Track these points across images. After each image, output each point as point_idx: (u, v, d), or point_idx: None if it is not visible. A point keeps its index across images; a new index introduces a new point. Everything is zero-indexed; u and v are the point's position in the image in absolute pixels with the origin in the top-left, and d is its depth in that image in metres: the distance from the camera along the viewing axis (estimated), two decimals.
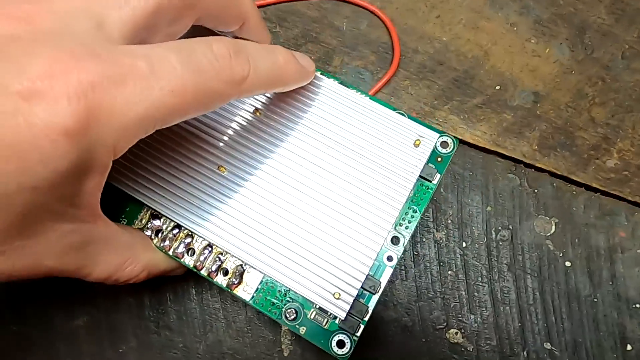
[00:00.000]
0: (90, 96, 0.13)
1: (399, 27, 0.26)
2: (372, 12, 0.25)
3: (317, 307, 0.20)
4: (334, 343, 0.19)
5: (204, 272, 0.20)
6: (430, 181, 0.21)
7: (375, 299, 0.20)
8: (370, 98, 0.22)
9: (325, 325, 0.19)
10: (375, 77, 0.26)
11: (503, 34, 0.27)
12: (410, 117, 0.21)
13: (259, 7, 0.26)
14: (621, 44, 0.27)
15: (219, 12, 0.18)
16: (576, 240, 0.25)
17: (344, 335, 0.19)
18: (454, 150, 0.21)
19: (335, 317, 0.19)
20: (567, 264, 0.25)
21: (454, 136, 0.21)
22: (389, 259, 0.20)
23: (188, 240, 0.20)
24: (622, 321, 0.24)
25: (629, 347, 0.23)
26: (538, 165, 0.25)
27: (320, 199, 0.20)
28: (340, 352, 0.19)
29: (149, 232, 0.20)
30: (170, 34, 0.17)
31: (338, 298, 0.19)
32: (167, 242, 0.20)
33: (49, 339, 0.23)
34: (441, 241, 0.24)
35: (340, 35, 0.26)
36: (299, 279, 0.19)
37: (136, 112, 0.14)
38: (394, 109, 0.22)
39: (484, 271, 0.24)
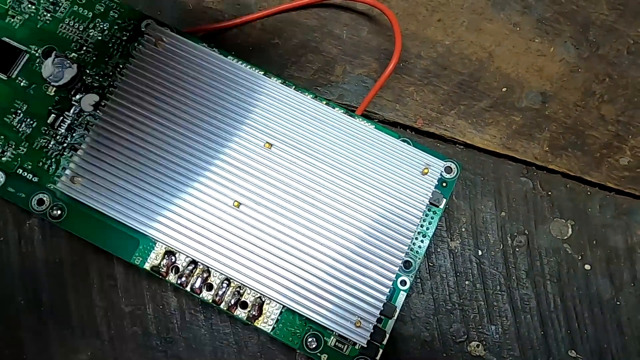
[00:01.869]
0: None
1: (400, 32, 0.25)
2: (373, 5, 0.24)
3: (337, 334, 0.20)
4: None
5: (223, 307, 0.20)
6: (438, 206, 0.21)
7: (391, 322, 0.20)
8: (376, 127, 0.22)
9: (345, 351, 0.19)
10: None
11: (506, 34, 0.26)
12: (415, 145, 0.22)
13: (257, 19, 0.25)
14: (625, 39, 0.26)
15: None
16: (594, 242, 0.24)
17: None
18: (458, 175, 0.22)
19: (356, 343, 0.19)
20: (587, 267, 0.24)
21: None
22: (403, 283, 0.21)
23: (205, 275, 0.20)
24: None
25: None
26: (550, 167, 0.25)
27: (335, 230, 0.20)
28: None
29: (164, 269, 0.20)
30: None
31: (359, 326, 0.19)
32: (183, 279, 0.20)
33: None
34: (456, 250, 0.24)
35: (341, 43, 0.26)
36: (319, 309, 0.19)
37: None
38: (399, 136, 0.22)
39: (502, 279, 0.23)
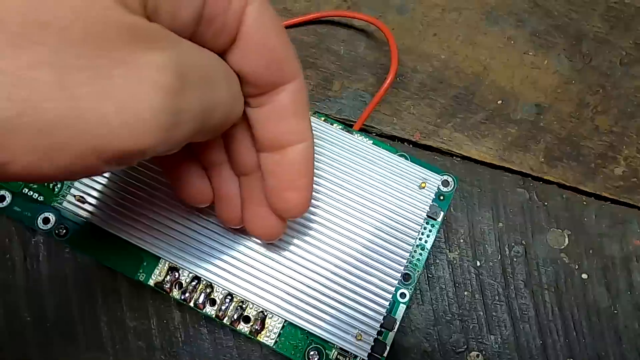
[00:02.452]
0: None
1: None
2: (369, 22, 0.24)
3: (338, 347, 0.20)
4: None
5: (226, 321, 0.20)
6: (435, 219, 0.22)
7: (392, 335, 0.20)
8: (374, 142, 0.22)
9: None
10: None
11: (501, 48, 0.26)
12: (412, 159, 0.22)
13: None
14: (618, 51, 0.27)
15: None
16: (590, 252, 0.24)
17: None
18: (455, 188, 0.22)
19: (357, 356, 0.20)
20: (584, 276, 0.24)
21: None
22: (402, 295, 0.21)
23: (208, 290, 0.20)
24: None
25: None
26: (546, 177, 0.25)
27: (335, 245, 0.20)
28: None
29: (168, 285, 0.20)
30: None
31: (360, 339, 0.19)
32: (187, 294, 0.20)
33: None
34: (455, 262, 0.24)
35: (339, 59, 0.26)
36: (320, 323, 0.19)
37: None
38: (396, 151, 0.22)
39: (501, 289, 0.24)
